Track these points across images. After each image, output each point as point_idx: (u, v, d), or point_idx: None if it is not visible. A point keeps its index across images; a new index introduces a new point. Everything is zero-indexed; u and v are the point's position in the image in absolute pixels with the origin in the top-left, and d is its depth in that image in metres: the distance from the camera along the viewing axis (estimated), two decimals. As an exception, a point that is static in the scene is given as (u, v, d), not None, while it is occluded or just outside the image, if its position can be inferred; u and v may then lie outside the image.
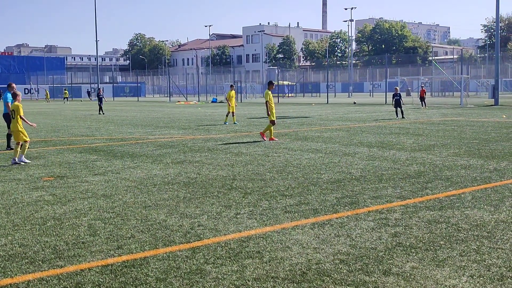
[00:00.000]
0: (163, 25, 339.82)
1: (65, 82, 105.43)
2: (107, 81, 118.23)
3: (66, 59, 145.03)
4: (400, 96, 28.34)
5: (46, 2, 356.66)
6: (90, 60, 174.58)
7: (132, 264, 5.75)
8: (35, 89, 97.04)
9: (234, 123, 26.22)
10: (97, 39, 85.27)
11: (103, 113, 37.64)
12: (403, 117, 27.61)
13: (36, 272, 5.55)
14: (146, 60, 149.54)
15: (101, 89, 40.85)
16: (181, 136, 19.95)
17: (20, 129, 13.27)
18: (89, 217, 7.79)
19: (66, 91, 71.22)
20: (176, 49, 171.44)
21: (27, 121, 13.59)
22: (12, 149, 16.03)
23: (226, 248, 6.28)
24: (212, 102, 63.50)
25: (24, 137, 13.30)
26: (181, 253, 6.12)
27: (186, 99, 71.84)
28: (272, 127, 17.99)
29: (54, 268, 5.67)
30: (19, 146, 13.32)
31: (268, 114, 18.07)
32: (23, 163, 13.19)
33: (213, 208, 8.24)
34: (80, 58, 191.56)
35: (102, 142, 18.17)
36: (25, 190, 9.90)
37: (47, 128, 25.13)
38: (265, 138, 17.90)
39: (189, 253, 6.11)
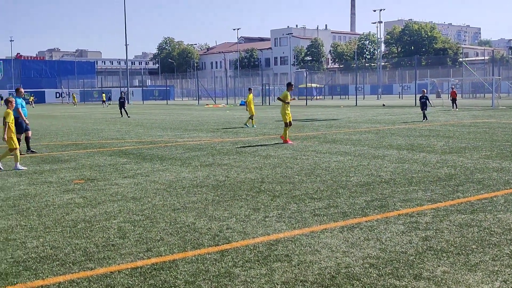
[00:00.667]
0: (192, 29, 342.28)
1: (95, 86, 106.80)
2: (137, 84, 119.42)
3: (97, 63, 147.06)
4: (426, 98, 28.01)
5: (77, 7, 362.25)
6: (120, 64, 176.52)
7: (161, 267, 5.77)
8: (66, 93, 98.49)
9: (253, 126, 26.22)
10: (127, 43, 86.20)
11: (128, 116, 38.04)
12: (425, 120, 27.29)
13: (66, 274, 5.61)
14: (175, 63, 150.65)
15: (122, 93, 41.24)
16: (210, 139, 20.02)
17: (12, 136, 13.06)
18: (118, 220, 7.85)
19: (104, 95, 72.25)
20: (205, 52, 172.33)
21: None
22: (34, 152, 16.26)
23: (254, 251, 6.26)
24: (241, 105, 63.61)
25: (14, 144, 13.07)
26: (209, 256, 6.12)
27: (215, 102, 72.13)
28: (287, 129, 17.95)
29: (84, 270, 5.72)
30: (17, 152, 13.16)
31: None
32: (21, 168, 13.04)
33: (242, 211, 8.23)
34: (110, 62, 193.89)
35: (131, 145, 18.34)
36: (56, 193, 10.03)
37: (78, 131, 25.46)
38: (289, 142, 17.80)
39: (218, 256, 6.11)
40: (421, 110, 28.05)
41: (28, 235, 7.13)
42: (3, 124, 13.20)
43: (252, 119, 26.60)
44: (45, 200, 9.36)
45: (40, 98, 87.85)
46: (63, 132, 25.28)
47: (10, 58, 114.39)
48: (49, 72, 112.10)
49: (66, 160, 14.77)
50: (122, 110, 38.24)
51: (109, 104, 71.49)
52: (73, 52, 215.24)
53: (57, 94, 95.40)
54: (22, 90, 16.92)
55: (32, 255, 6.27)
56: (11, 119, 13.24)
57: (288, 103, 18.05)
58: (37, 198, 9.56)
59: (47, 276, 5.57)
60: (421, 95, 28.52)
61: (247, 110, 26.79)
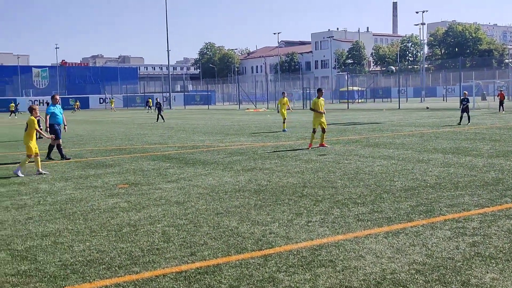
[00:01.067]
0: (233, 33, 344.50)
1: (138, 92, 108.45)
2: (178, 90, 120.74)
3: (139, 69, 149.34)
4: (468, 101, 27.40)
5: (120, 15, 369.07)
6: (161, 69, 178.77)
7: (205, 271, 5.80)
8: (109, 98, 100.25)
9: (284, 130, 26.19)
10: (169, 49, 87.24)
11: (164, 120, 38.81)
12: (469, 123, 26.71)
13: (113, 278, 5.69)
14: (216, 68, 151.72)
15: (158, 98, 42.12)
16: (251, 143, 20.07)
17: (31, 143, 13.30)
18: (163, 224, 7.93)
19: (150, 100, 73.06)
20: (245, 57, 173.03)
21: (43, 134, 13.78)
22: (52, 159, 16.42)
23: (298, 256, 6.23)
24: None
25: (32, 151, 13.29)
26: (253, 260, 6.12)
27: (255, 106, 72.30)
28: (313, 135, 17.82)
29: (130, 274, 5.79)
30: (30, 158, 13.40)
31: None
32: (20, 175, 13.15)
33: (284, 216, 8.21)
34: (152, 67, 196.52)
35: (174, 150, 18.53)
36: (101, 197, 10.20)
37: (122, 136, 25.87)
38: (325, 145, 17.68)
39: (261, 260, 6.11)
40: (462, 113, 27.39)
41: (75, 238, 7.27)
42: (25, 130, 13.51)
43: (284, 123, 26.68)
44: (91, 205, 9.53)
45: (84, 104, 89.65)
46: (107, 137, 25.73)
47: (55, 65, 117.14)
48: (93, 78, 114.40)
49: (111, 165, 15.01)
50: (159, 115, 39.27)
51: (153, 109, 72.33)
52: (116, 58, 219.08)
53: (101, 99, 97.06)
54: (58, 97, 17.19)
55: (79, 258, 6.39)
56: (35, 126, 13.52)
57: (321, 112, 17.84)
58: (83, 203, 9.74)
59: (94, 279, 5.66)
60: (462, 97, 27.90)
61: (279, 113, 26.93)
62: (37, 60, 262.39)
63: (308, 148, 17.45)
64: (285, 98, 27.92)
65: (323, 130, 17.89)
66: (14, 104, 68.00)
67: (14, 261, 6.36)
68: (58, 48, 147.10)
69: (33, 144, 13.33)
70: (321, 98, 18.19)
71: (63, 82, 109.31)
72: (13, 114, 61.56)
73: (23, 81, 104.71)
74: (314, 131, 17.90)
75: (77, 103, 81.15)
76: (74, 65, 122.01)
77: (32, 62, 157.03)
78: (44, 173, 13.39)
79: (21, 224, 8.16)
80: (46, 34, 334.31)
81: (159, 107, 40.09)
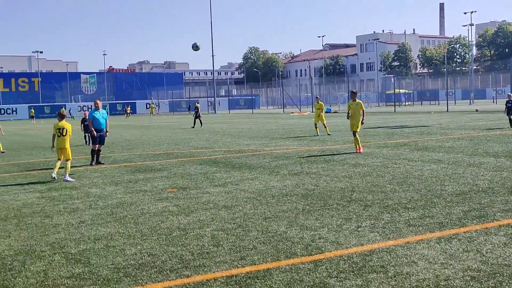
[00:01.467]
0: (276, 37, 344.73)
1: (183, 97, 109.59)
2: (223, 94, 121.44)
3: (184, 74, 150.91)
4: None
5: (165, 21, 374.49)
6: (206, 74, 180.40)
7: (255, 276, 5.80)
8: (156, 103, 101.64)
9: (315, 134, 26.11)
10: (213, 54, 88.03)
11: (201, 125, 38.80)
12: (510, 126, 25.89)
13: (164, 281, 5.75)
14: (260, 72, 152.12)
15: (196, 103, 42.21)
16: (297, 147, 20.02)
17: (68, 147, 13.90)
18: (212, 228, 7.98)
19: (197, 104, 73.82)
20: (289, 60, 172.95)
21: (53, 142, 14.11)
22: (102, 163, 16.69)
23: (348, 261, 6.17)
24: (326, 112, 63.22)
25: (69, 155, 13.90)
26: (303, 265, 6.09)
27: (300, 110, 72.12)
28: (355, 138, 17.57)
29: (181, 278, 5.84)
30: (69, 163, 13.84)
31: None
32: (70, 180, 13.49)
33: (333, 221, 8.15)
34: (197, 73, 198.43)
35: (220, 154, 18.64)
36: (151, 201, 10.34)
37: (169, 141, 26.19)
38: (358, 151, 17.41)
39: (311, 266, 6.07)
40: (507, 115, 26.63)
41: (126, 242, 7.38)
42: (62, 135, 13.88)
43: (316, 128, 26.68)
44: (141, 208, 9.67)
45: (131, 109, 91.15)
46: (154, 142, 26.08)
47: (103, 71, 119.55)
48: (139, 83, 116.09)
49: (159, 169, 15.20)
50: (197, 120, 39.15)
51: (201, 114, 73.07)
52: (162, 64, 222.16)
53: (147, 105, 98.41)
54: (99, 102, 17.42)
55: (131, 261, 6.48)
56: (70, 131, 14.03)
57: (355, 116, 17.62)
58: (133, 206, 9.88)
59: (146, 283, 5.74)
60: (507, 99, 27.05)
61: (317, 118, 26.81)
62: (86, 67, 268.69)
63: (355, 152, 17.25)
64: (320, 103, 27.79)
65: (353, 134, 17.71)
66: (64, 109, 69.78)
67: (68, 264, 6.50)
68: (105, 54, 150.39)
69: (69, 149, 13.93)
70: (355, 100, 17.92)
71: (110, 88, 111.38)
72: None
73: (72, 87, 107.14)
74: (354, 135, 17.67)
75: (129, 108, 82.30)
76: (121, 71, 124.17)
77: (80, 68, 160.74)
78: (54, 177, 13.65)
79: (74, 228, 8.34)
80: (94, 41, 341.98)
81: (196, 112, 39.99)
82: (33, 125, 57.44)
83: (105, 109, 17.19)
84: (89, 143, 23.75)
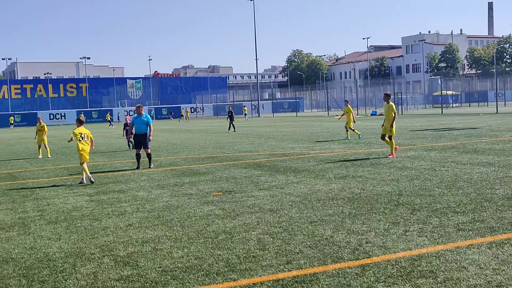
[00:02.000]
0: (320, 40, 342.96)
1: (227, 100, 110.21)
2: (267, 97, 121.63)
3: (228, 78, 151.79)
4: None
5: (209, 25, 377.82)
6: (250, 78, 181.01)
7: (302, 280, 5.77)
8: (200, 107, 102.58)
9: (347, 138, 25.94)
10: (257, 58, 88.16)
11: (234, 130, 38.67)
12: None
13: (211, 285, 5.78)
14: (303, 75, 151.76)
15: (230, 107, 42.13)
16: (342, 151, 19.86)
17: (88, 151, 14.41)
18: (257, 232, 7.98)
19: (245, 108, 74.57)
20: (334, 63, 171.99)
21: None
22: (149, 167, 16.87)
23: (397, 266, 6.08)
24: (372, 115, 62.63)
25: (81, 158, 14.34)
26: (350, 270, 6.03)
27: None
28: (390, 142, 17.17)
29: (228, 281, 5.86)
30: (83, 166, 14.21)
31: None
32: (84, 182, 14.06)
33: (380, 225, 8.04)
34: (241, 76, 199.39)
35: (265, 158, 18.65)
36: (197, 204, 10.42)
37: (214, 145, 26.36)
38: (389, 156, 17.09)
39: (359, 270, 6.00)
40: None
41: (173, 245, 7.45)
42: (79, 140, 14.37)
43: (347, 131, 26.56)
44: (187, 212, 9.75)
45: (176, 113, 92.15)
46: (199, 145, 26.30)
47: (148, 76, 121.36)
48: (184, 88, 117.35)
49: (204, 172, 15.31)
50: (231, 124, 39.06)
51: (248, 117, 73.40)
52: (206, 68, 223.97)
53: (192, 109, 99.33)
54: (140, 107, 17.55)
55: (178, 264, 6.54)
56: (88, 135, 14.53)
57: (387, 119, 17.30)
58: (179, 210, 9.98)
59: (193, 286, 5.78)
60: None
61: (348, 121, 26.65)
62: (132, 72, 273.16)
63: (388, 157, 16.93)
64: (348, 106, 27.64)
65: (382, 137, 17.45)
66: (110, 114, 71.42)
67: (117, 266, 6.61)
68: (151, 60, 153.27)
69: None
70: (388, 103, 17.46)
71: (156, 93, 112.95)
72: (111, 125, 64.23)
73: (118, 92, 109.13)
74: (389, 138, 17.27)
75: (188, 111, 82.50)
76: (166, 75, 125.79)
77: (126, 74, 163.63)
78: (82, 182, 14.11)
79: (122, 231, 8.48)
80: (140, 46, 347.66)
81: (230, 116, 39.81)
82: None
83: (149, 114, 17.35)
84: (132, 148, 24.12)
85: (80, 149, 14.29)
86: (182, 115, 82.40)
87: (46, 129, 23.43)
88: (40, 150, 23.31)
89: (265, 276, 5.97)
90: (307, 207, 9.66)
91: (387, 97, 17.81)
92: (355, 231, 7.72)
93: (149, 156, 17.13)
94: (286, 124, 48.41)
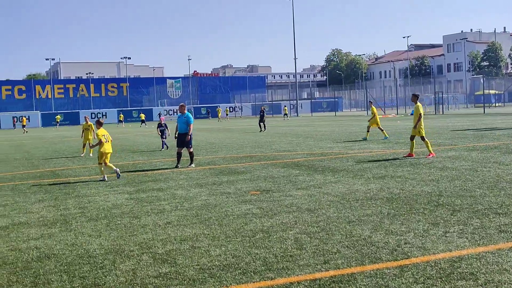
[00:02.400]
0: (360, 39, 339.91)
1: (265, 100, 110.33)
2: (305, 97, 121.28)
3: (267, 78, 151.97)
4: None
5: (247, 25, 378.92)
6: (288, 77, 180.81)
7: (340, 280, 5.74)
8: (239, 107, 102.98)
9: (366, 138, 25.84)
10: (296, 57, 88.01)
11: (264, 130, 38.42)
12: None
13: (248, 283, 5.81)
14: (342, 74, 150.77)
15: (262, 107, 41.91)
16: (381, 151, 19.66)
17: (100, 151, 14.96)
18: (295, 231, 7.97)
19: (285, 108, 75.09)
20: (373, 62, 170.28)
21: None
22: (188, 166, 17.00)
23: (436, 268, 5.99)
24: (411, 114, 61.74)
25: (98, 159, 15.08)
26: (388, 271, 5.97)
27: (384, 112, 70.86)
28: (426, 142, 16.97)
29: (265, 280, 5.87)
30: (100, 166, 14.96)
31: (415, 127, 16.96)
32: (105, 179, 14.67)
33: (420, 226, 7.93)
34: (279, 76, 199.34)
35: (303, 157, 18.61)
36: (235, 203, 10.46)
37: (252, 144, 26.43)
38: (408, 155, 16.86)
39: (397, 271, 5.94)
40: None
41: (211, 243, 7.51)
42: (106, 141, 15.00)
43: (383, 131, 26.30)
44: (225, 210, 9.81)
45: (214, 113, 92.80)
46: (237, 144, 26.40)
47: (188, 76, 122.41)
48: (223, 87, 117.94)
49: (242, 171, 15.37)
50: (261, 124, 38.87)
51: (287, 117, 73.46)
52: (245, 67, 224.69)
53: (231, 108, 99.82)
54: (182, 106, 17.79)
55: (216, 263, 6.58)
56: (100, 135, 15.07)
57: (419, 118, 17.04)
58: (217, 208, 10.04)
59: (230, 284, 5.81)
60: None
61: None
62: (171, 72, 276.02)
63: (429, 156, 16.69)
64: (373, 107, 27.44)
65: (410, 138, 17.25)
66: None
67: (155, 263, 6.69)
68: (190, 59, 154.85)
69: (100, 153, 14.99)
70: (416, 103, 17.27)
71: (195, 92, 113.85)
72: (143, 123, 65.08)
73: (158, 92, 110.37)
74: (422, 139, 17.07)
75: (218, 110, 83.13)
76: (205, 75, 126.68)
77: (166, 73, 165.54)
78: (104, 179, 14.71)
79: (161, 229, 8.58)
80: (180, 46, 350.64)
81: (262, 115, 39.61)
82: (121, 128, 59.66)
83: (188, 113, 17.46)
84: (163, 147, 24.38)
85: (106, 150, 14.95)
86: (227, 114, 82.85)
87: (93, 127, 23.83)
88: (84, 148, 23.77)
89: (302, 275, 5.96)
90: (345, 207, 9.61)
91: (414, 97, 17.73)
92: (394, 232, 7.64)
93: (191, 154, 17.30)
94: (324, 124, 48.18)
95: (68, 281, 6.19)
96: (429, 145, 16.93)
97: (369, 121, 27.05)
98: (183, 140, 17.03)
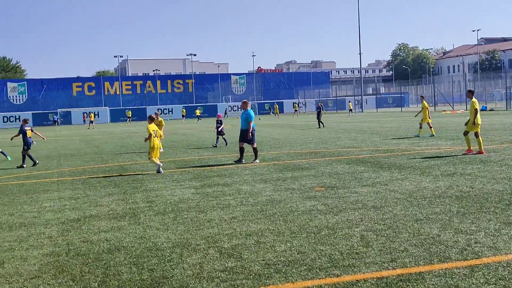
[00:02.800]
0: (427, 33, 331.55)
1: (329, 96, 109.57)
2: (370, 92, 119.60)
3: (331, 73, 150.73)
4: None
5: (311, 20, 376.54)
6: (353, 73, 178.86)
7: (407, 279, 5.65)
8: (302, 103, 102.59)
9: (418, 135, 25.31)
10: (360, 52, 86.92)
11: (321, 126, 38.08)
12: None
13: (314, 279, 5.79)
14: (409, 69, 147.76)
15: (320, 103, 41.28)
16: (450, 147, 19.16)
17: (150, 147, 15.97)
18: (360, 228, 7.89)
19: (350, 103, 76.13)
20: (441, 56, 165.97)
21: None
22: (252, 162, 17.09)
23: (508, 268, 5.80)
24: (482, 110, 59.89)
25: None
26: (458, 270, 5.82)
27: (453, 108, 68.96)
28: (478, 139, 16.43)
29: (330, 277, 5.85)
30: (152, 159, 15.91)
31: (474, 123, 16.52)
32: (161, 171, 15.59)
33: (491, 225, 7.69)
34: (343, 71, 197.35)
35: (368, 154, 18.37)
36: (299, 199, 10.45)
37: (316, 140, 26.30)
38: (467, 152, 16.39)
39: (467, 271, 5.78)
40: None
41: (276, 239, 7.53)
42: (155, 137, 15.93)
43: (420, 128, 25.95)
44: (289, 206, 9.81)
45: (278, 108, 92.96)
46: (301, 140, 26.34)
47: (252, 72, 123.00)
48: (286, 83, 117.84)
49: (306, 167, 15.32)
50: (319, 120, 38.45)
51: (352, 113, 72.88)
52: (309, 63, 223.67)
53: (294, 104, 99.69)
54: (245, 102, 17.91)
55: (281, 258, 6.60)
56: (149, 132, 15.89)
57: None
58: (282, 204, 10.06)
59: (296, 280, 5.81)
60: None
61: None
62: (236, 68, 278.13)
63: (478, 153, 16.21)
64: (424, 102, 26.65)
65: (464, 133, 16.92)
66: (199, 111, 74.67)
67: (221, 257, 6.77)
68: (254, 56, 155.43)
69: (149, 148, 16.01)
70: (471, 99, 16.99)
71: (259, 88, 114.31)
72: (199, 120, 66.33)
73: (223, 88, 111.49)
74: (476, 135, 16.60)
75: (276, 106, 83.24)
76: (269, 71, 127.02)
77: (231, 70, 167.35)
78: (160, 171, 15.58)
79: (227, 223, 8.67)
80: (244, 43, 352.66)
81: (319, 112, 39.01)
82: (184, 124, 60.60)
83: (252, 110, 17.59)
84: (217, 144, 24.51)
85: (156, 146, 15.87)
86: (295, 110, 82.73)
87: (163, 123, 24.30)
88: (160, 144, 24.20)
89: (368, 273, 5.89)
90: (412, 204, 9.42)
91: (470, 93, 17.56)
92: (464, 231, 7.43)
93: (254, 150, 17.44)
94: (390, 120, 47.36)
95: (137, 273, 6.35)
96: (481, 143, 16.52)
97: (420, 115, 26.53)
98: (245, 135, 17.22)
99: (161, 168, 15.61)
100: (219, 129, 24.67)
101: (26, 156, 19.57)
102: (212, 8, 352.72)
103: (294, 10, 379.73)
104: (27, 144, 19.71)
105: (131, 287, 5.90)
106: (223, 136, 24.80)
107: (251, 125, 17.19)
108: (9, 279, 6.36)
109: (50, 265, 6.82)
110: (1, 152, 21.87)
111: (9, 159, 21.73)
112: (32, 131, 20.32)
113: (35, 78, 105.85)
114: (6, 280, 6.31)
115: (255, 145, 17.38)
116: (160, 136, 16.51)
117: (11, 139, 22.23)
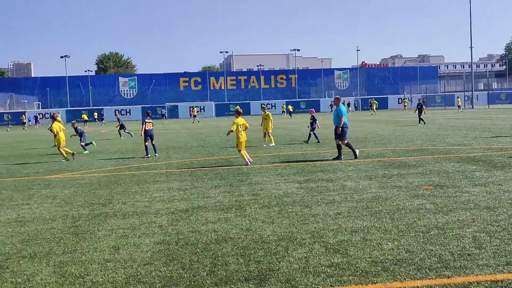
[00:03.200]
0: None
1: (437, 91, 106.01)
2: (481, 88, 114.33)
3: (439, 68, 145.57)
4: None
5: (418, 14, 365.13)
6: (463, 67, 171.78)
7: (525, 284, 5.35)
8: (408, 98, 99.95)
9: None
10: (472, 46, 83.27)
11: (421, 123, 36.65)
12: None
13: (424, 279, 5.63)
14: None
15: (420, 99, 39.56)
16: None
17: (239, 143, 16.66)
18: (472, 229, 7.57)
19: (459, 99, 72.42)
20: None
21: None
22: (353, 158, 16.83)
23: None
24: None
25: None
26: None
27: None
28: None
29: (441, 278, 5.66)
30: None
31: None
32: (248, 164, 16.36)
33: None
34: (453, 66, 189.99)
35: (479, 152, 17.58)
36: (406, 197, 10.19)
37: (423, 137, 25.52)
38: None
39: None
40: None
41: (382, 237, 7.39)
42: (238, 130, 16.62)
43: None
44: (396, 204, 9.59)
45: (383, 104, 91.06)
46: (407, 137, 25.66)
47: (356, 67, 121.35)
48: (391, 78, 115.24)
49: (413, 165, 14.91)
50: (420, 117, 36.91)
51: (462, 109, 69.97)
52: (415, 57, 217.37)
53: (399, 100, 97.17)
54: (338, 99, 17.72)
55: (389, 256, 6.47)
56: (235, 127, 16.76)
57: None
58: (388, 202, 9.85)
59: (405, 279, 5.68)
60: None
61: None
62: (339, 63, 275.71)
63: None
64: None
65: None
66: (291, 106, 75.67)
67: (327, 253, 6.74)
68: (359, 50, 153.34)
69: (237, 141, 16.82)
70: None
71: (362, 83, 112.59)
72: (289, 114, 67.24)
73: (325, 83, 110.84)
74: None
75: (374, 102, 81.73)
76: (373, 66, 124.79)
77: (334, 65, 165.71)
78: (247, 164, 16.36)
79: (332, 219, 8.62)
80: (348, 38, 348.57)
81: (420, 108, 37.52)
82: (287, 119, 60.78)
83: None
84: (309, 140, 24.32)
85: (242, 139, 16.58)
86: (404, 105, 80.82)
87: (271, 117, 24.61)
88: (266, 138, 24.48)
89: (482, 276, 5.65)
90: (529, 206, 8.92)
91: None
92: None
93: (347, 145, 17.19)
94: (504, 117, 45.01)
95: (244, 264, 6.46)
96: None
97: None
98: (336, 131, 17.13)
99: (249, 162, 16.45)
100: (313, 125, 24.57)
101: (146, 146, 20.67)
102: (316, 3, 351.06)
103: (399, 2, 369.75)
104: (149, 135, 20.67)
105: (239, 277, 6.01)
106: (314, 132, 24.60)
107: (343, 120, 17.02)
108: (124, 264, 6.69)
109: (161, 253, 7.09)
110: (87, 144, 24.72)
111: (94, 144, 25.72)
112: (151, 123, 21.03)
113: (145, 73, 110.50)
114: (121, 265, 6.64)
115: (346, 142, 17.16)
116: (246, 128, 16.92)
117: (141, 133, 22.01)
